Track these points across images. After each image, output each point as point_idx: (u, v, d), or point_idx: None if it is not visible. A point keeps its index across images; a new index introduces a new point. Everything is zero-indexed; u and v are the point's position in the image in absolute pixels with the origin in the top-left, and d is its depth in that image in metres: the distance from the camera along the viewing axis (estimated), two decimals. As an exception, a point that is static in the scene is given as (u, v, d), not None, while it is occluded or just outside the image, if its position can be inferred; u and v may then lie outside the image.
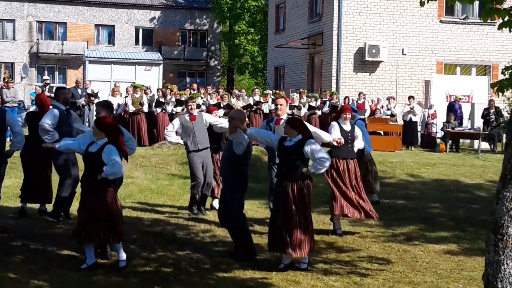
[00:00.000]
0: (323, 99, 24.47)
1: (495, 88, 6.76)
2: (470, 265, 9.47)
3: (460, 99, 26.14)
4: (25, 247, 9.20)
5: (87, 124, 23.95)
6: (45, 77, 25.15)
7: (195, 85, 27.26)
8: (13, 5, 50.68)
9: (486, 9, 6.48)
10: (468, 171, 19.16)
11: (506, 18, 6.43)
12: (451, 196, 15.68)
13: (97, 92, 23.19)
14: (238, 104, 23.10)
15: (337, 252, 9.94)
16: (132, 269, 8.41)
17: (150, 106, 22.24)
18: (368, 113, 24.40)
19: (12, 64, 50.91)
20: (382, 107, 24.90)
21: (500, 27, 6.58)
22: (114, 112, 21.98)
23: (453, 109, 25.41)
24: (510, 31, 6.54)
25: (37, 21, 51.54)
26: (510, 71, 6.69)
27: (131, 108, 21.71)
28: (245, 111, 23.06)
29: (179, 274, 8.34)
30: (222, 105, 22.61)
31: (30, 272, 8.05)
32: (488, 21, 6.92)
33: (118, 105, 22.11)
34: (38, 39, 51.22)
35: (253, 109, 23.44)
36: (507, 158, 6.12)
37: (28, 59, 51.06)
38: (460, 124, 25.03)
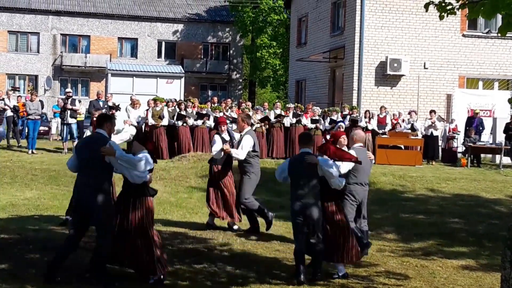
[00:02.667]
0: (343, 113, 24.43)
1: (512, 103, 6.74)
2: (489, 281, 9.42)
3: (477, 113, 25.98)
4: (44, 259, 9.25)
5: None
6: (68, 89, 25.35)
7: (215, 99, 27.34)
8: (37, 18, 51.25)
9: (504, 23, 6.46)
10: (489, 186, 19.02)
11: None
12: (471, 211, 15.57)
13: (118, 105, 23.34)
14: (256, 117, 23.08)
15: (355, 266, 9.91)
16: (150, 282, 8.43)
17: (173, 119, 22.32)
18: (389, 127, 24.33)
19: (36, 76, 51.39)
20: (403, 121, 24.80)
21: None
22: (136, 124, 22.16)
23: (471, 123, 25.28)
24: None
25: (61, 34, 52.02)
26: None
27: (151, 121, 21.78)
28: (262, 123, 23.09)
29: (195, 287, 8.36)
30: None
31: (47, 284, 8.09)
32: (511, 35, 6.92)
33: (139, 117, 22.17)
34: (61, 52, 51.68)
35: (272, 122, 23.43)
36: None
37: (51, 71, 51.51)
38: (479, 138, 24.84)
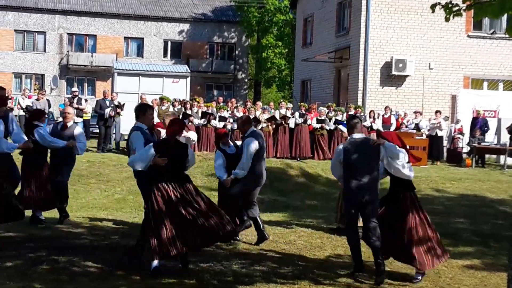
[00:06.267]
0: (348, 113, 24.48)
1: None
2: (494, 281, 9.42)
3: (479, 114, 25.97)
4: (50, 257, 9.32)
5: (114, 135, 24.15)
6: (74, 88, 25.49)
7: (221, 98, 27.43)
8: (44, 18, 51.36)
9: (511, 24, 6.49)
10: (493, 186, 19.04)
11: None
12: (476, 211, 15.59)
13: (123, 104, 23.40)
14: (263, 116, 23.16)
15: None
16: (156, 280, 8.48)
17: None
18: (394, 127, 24.37)
19: (42, 75, 51.52)
20: (408, 121, 24.84)
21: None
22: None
23: (475, 124, 25.29)
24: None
25: (67, 33, 52.14)
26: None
27: (156, 120, 21.76)
28: (269, 123, 23.14)
29: (201, 286, 8.39)
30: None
31: (55, 282, 8.14)
32: (516, 36, 6.92)
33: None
34: (68, 51, 51.79)
35: (278, 121, 23.46)
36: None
37: (58, 71, 51.63)
38: (484, 139, 24.84)
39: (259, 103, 25.61)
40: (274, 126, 23.26)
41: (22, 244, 10.07)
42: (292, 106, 25.31)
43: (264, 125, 22.90)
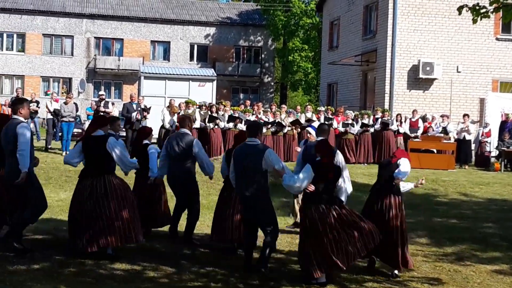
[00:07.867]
0: (375, 116, 24.37)
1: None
2: (523, 286, 9.33)
3: (508, 117, 25.65)
4: (77, 260, 9.35)
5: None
6: (101, 92, 25.63)
7: (248, 102, 27.42)
8: (72, 22, 51.77)
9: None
10: (522, 191, 18.83)
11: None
12: (504, 216, 15.40)
13: (150, 107, 23.48)
14: (288, 120, 23.12)
15: (389, 270, 9.87)
16: (182, 283, 8.49)
17: (204, 122, 22.44)
18: (421, 130, 24.22)
19: (70, 79, 51.90)
20: (436, 124, 24.67)
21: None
22: (170, 129, 22.25)
23: (504, 128, 24.99)
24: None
25: (94, 37, 52.49)
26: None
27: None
28: (293, 126, 23.08)
29: (227, 289, 8.40)
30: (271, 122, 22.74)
31: (82, 284, 8.18)
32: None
33: (172, 120, 22.25)
34: (95, 55, 52.15)
35: (303, 125, 23.40)
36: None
37: (85, 74, 51.99)
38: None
39: (284, 106, 25.59)
40: (298, 130, 23.18)
41: (49, 247, 10.12)
42: (324, 109, 25.24)
43: (288, 128, 22.85)
